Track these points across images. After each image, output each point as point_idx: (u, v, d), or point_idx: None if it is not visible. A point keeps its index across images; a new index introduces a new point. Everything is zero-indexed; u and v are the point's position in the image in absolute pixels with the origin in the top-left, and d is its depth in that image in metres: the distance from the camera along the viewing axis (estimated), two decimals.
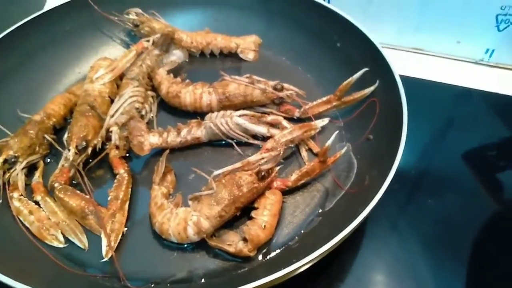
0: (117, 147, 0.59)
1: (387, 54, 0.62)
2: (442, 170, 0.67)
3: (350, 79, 0.62)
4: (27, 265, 0.47)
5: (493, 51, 0.79)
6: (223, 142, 0.62)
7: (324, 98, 0.64)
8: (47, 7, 0.76)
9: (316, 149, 0.61)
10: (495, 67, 0.81)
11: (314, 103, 0.64)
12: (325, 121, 0.64)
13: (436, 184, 0.65)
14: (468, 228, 0.60)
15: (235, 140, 0.61)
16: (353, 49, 0.68)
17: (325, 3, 0.72)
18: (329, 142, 0.53)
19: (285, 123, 0.62)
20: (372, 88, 0.62)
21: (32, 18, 0.68)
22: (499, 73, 0.80)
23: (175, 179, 0.58)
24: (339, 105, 0.64)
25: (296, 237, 0.52)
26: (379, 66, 0.62)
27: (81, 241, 0.52)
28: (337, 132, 0.55)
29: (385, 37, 0.81)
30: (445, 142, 0.72)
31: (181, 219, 0.49)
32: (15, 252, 0.49)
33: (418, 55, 0.83)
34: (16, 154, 0.56)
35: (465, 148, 0.70)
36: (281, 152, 0.54)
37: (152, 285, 0.48)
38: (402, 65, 0.79)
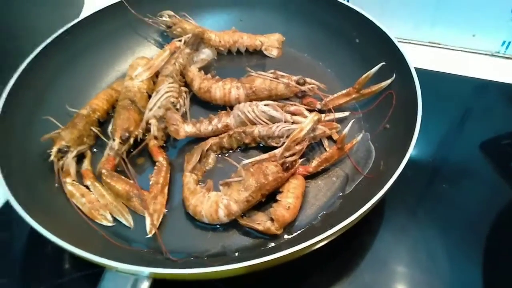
0: (155, 138, 0.66)
1: (403, 48, 0.66)
2: (460, 159, 0.70)
3: (368, 72, 0.66)
4: (82, 240, 0.54)
5: (509, 43, 0.81)
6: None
7: (344, 91, 0.68)
8: (84, 14, 0.82)
9: (336, 137, 0.66)
10: (511, 59, 0.83)
11: (334, 95, 0.69)
12: (345, 113, 0.69)
13: (454, 172, 0.68)
14: (485, 214, 0.63)
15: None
16: (371, 45, 0.73)
17: (344, 1, 0.76)
18: (345, 130, 0.58)
19: (306, 113, 0.67)
20: (389, 81, 0.67)
21: (74, 24, 0.75)
22: None
23: (214, 162, 0.64)
24: (358, 97, 0.69)
25: (319, 217, 0.58)
26: (395, 60, 0.66)
27: (127, 220, 0.58)
28: (353, 120, 0.59)
29: (402, 32, 0.85)
30: (463, 132, 0.75)
31: (213, 202, 0.55)
32: (70, 229, 0.56)
33: (435, 48, 0.86)
34: (68, 144, 0.62)
35: (482, 138, 0.73)
36: (304, 147, 0.59)
37: (192, 258, 0.54)
38: (419, 58, 0.83)
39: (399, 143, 0.58)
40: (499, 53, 0.83)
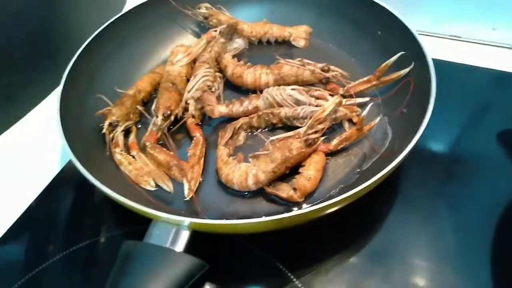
0: (193, 116, 0.74)
1: (423, 40, 0.72)
2: (477, 148, 0.74)
3: (388, 61, 0.72)
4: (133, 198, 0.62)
5: None
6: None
7: (365, 78, 0.74)
8: (128, 6, 0.91)
9: (356, 119, 0.72)
10: None
11: (356, 82, 0.75)
12: (365, 99, 0.75)
13: (470, 160, 0.72)
14: (498, 200, 0.66)
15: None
16: (392, 36, 0.78)
17: None
18: (364, 112, 0.64)
19: (329, 98, 0.73)
20: (407, 70, 0.72)
21: (120, 16, 0.84)
22: None
23: (244, 139, 0.71)
24: (378, 84, 0.74)
25: (337, 189, 0.64)
26: (415, 50, 0.71)
27: (168, 186, 0.66)
28: (371, 104, 0.65)
29: (423, 25, 0.89)
30: (481, 122, 0.78)
31: (243, 172, 0.63)
32: (120, 191, 0.64)
33: (456, 41, 0.91)
34: (118, 119, 0.71)
35: (500, 128, 0.76)
36: (326, 126, 0.66)
37: (223, 218, 0.62)
38: (440, 50, 0.87)
39: (414, 126, 0.63)
40: None
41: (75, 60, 0.75)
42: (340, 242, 0.62)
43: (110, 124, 0.71)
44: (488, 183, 0.69)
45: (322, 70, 0.75)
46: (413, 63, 0.71)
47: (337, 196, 0.53)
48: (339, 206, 0.55)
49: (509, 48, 0.87)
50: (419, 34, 0.73)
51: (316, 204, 0.52)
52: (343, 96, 0.74)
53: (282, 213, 0.61)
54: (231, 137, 0.70)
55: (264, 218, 0.51)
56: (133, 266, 0.48)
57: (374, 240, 0.62)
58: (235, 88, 0.80)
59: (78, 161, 0.58)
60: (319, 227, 0.60)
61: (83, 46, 0.78)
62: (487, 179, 0.69)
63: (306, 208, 0.52)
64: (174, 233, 0.51)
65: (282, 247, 0.61)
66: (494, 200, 0.66)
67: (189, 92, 0.75)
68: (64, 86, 0.71)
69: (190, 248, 0.52)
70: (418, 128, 0.59)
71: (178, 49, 0.82)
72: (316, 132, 0.65)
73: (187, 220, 0.51)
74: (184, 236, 0.51)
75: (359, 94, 0.75)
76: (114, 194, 0.54)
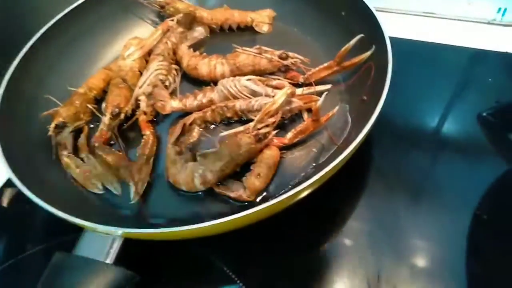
0: (145, 113, 0.70)
1: (388, 18, 0.66)
2: (456, 131, 0.70)
3: (347, 45, 0.67)
4: (74, 206, 0.59)
5: (505, 10, 0.79)
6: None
7: (325, 64, 0.70)
8: None
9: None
10: (508, 26, 0.81)
11: (316, 69, 0.70)
12: (327, 86, 0.71)
13: (450, 143, 0.69)
14: (477, 185, 0.63)
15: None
16: (355, 17, 0.73)
17: None
18: (319, 102, 0.60)
19: (289, 86, 0.68)
20: (368, 53, 0.67)
21: (73, 8, 0.79)
22: None
23: (198, 135, 0.67)
24: (340, 70, 0.70)
25: (290, 186, 0.61)
26: (375, 31, 0.67)
27: (116, 188, 0.63)
28: (326, 93, 0.61)
29: (394, 2, 0.84)
30: (459, 104, 0.74)
31: (190, 171, 0.59)
32: (65, 196, 0.62)
33: (429, 18, 0.85)
34: (65, 120, 0.68)
35: (479, 109, 0.72)
36: (277, 120, 0.61)
37: (170, 222, 0.59)
38: (413, 29, 0.83)
39: (370, 114, 0.59)
40: (495, 20, 0.81)
41: (22, 57, 0.71)
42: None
43: (56, 126, 0.68)
44: (468, 166, 0.66)
45: (280, 57, 0.70)
46: (373, 46, 0.66)
47: (280, 195, 0.50)
48: (287, 204, 0.52)
49: (485, 23, 0.82)
50: (389, 12, 0.68)
51: (255, 206, 0.49)
52: (303, 85, 0.70)
53: (236, 212, 0.58)
54: (183, 134, 0.67)
55: (197, 225, 0.48)
56: (59, 280, 0.46)
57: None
58: (192, 81, 0.77)
59: (14, 174, 0.55)
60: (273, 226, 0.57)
61: (32, 41, 0.74)
62: (468, 162, 0.66)
63: (241, 213, 0.48)
64: (104, 243, 0.49)
65: (229, 250, 0.58)
66: (473, 188, 0.62)
67: (140, 87, 0.71)
68: (7, 86, 0.67)
69: (122, 256, 0.49)
70: (369, 119, 0.55)
71: (131, 42, 0.78)
72: (267, 126, 0.61)
73: (117, 230, 0.48)
74: (116, 246, 0.49)
75: (322, 81, 0.71)
76: (43, 204, 0.51)
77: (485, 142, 0.69)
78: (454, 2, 0.81)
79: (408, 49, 0.81)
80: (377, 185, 0.63)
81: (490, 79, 0.77)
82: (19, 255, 0.61)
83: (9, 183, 0.71)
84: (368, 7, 0.69)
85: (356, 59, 0.68)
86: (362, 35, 0.67)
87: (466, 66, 0.81)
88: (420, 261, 0.54)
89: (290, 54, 0.71)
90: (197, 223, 0.56)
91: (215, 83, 0.72)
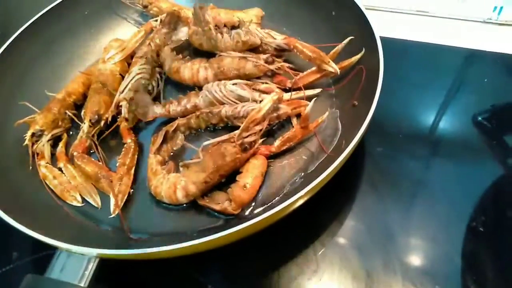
0: (126, 120, 0.67)
1: (379, 17, 0.63)
2: (452, 133, 0.68)
3: (336, 48, 0.65)
4: (51, 221, 0.57)
5: (501, 8, 0.76)
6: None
7: (314, 68, 0.67)
8: None
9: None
10: (504, 25, 0.78)
11: (304, 73, 0.67)
12: (316, 90, 0.68)
13: (445, 145, 0.66)
14: (472, 188, 0.61)
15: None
16: (345, 16, 0.70)
17: None
18: (307, 109, 0.57)
19: (277, 91, 0.66)
20: (358, 56, 0.64)
21: (53, 6, 0.76)
22: (509, 31, 0.78)
23: (182, 143, 0.64)
24: (329, 74, 0.67)
25: (278, 197, 0.58)
26: (365, 30, 0.64)
27: (95, 201, 0.60)
28: (314, 99, 0.58)
29: (388, 1, 0.81)
30: (454, 105, 0.72)
31: (172, 183, 0.56)
32: (41, 211, 0.59)
33: (423, 17, 0.82)
34: (42, 128, 0.65)
35: (475, 110, 0.70)
36: (264, 127, 0.59)
37: (153, 238, 0.56)
38: (406, 29, 0.80)
39: (361, 121, 0.56)
40: (491, 19, 0.78)
41: None
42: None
43: (33, 134, 0.65)
44: (463, 171, 0.63)
45: (266, 61, 0.67)
46: (363, 49, 0.64)
47: (268, 211, 0.47)
48: (275, 220, 0.50)
49: (480, 22, 0.79)
50: (380, 10, 0.65)
51: (241, 219, 0.46)
52: (290, 89, 0.67)
53: (219, 228, 0.56)
54: (166, 142, 0.64)
55: (177, 245, 0.45)
56: None
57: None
58: (176, 86, 0.73)
59: None
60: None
61: (7, 43, 0.71)
62: (463, 167, 0.64)
63: (224, 232, 0.45)
64: (79, 265, 0.46)
65: (214, 266, 0.55)
66: (469, 193, 0.60)
67: (121, 92, 0.68)
68: None
69: (99, 276, 0.46)
70: (360, 126, 0.52)
71: (112, 44, 0.75)
72: (253, 134, 0.58)
73: (93, 251, 0.45)
74: (91, 267, 0.46)
75: (311, 86, 0.68)
76: (12, 222, 0.48)
77: (480, 145, 0.67)
78: (448, 0, 0.78)
79: (400, 49, 0.78)
80: (369, 194, 0.61)
81: (485, 80, 0.75)
82: None
83: None
84: (358, 6, 0.66)
85: (346, 62, 0.66)
86: (351, 37, 0.64)
87: (461, 67, 0.78)
88: (413, 273, 0.52)
89: (276, 58, 0.68)
90: (181, 238, 0.54)
91: (199, 87, 0.69)
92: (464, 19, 0.80)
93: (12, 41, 0.71)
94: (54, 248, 0.49)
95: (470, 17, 0.79)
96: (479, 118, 0.69)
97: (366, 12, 0.65)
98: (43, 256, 0.58)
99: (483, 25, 0.79)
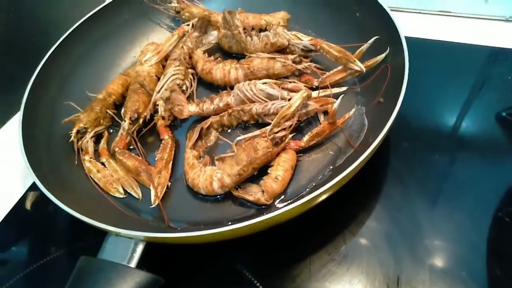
0: (163, 118, 0.71)
1: (404, 18, 0.66)
2: (475, 131, 0.70)
3: (361, 47, 0.67)
4: (97, 210, 0.61)
5: None
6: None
7: (340, 67, 0.70)
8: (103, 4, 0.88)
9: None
10: None
11: (331, 72, 0.70)
12: (342, 89, 0.71)
13: (469, 143, 0.68)
14: (496, 185, 0.62)
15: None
16: (370, 17, 0.73)
17: None
18: (335, 105, 0.60)
19: (305, 89, 0.69)
20: (383, 55, 0.67)
21: (91, 15, 0.82)
22: None
23: (215, 139, 0.68)
24: (354, 73, 0.70)
25: (308, 189, 0.61)
26: (390, 31, 0.67)
27: (136, 192, 0.65)
28: (342, 96, 0.61)
29: (409, 1, 0.83)
30: (478, 103, 0.74)
31: (208, 176, 0.60)
32: (87, 201, 0.63)
33: (446, 17, 0.84)
34: (86, 126, 0.70)
35: (498, 109, 0.72)
36: (294, 123, 0.62)
37: (190, 226, 0.60)
38: (430, 28, 0.82)
39: (387, 116, 0.59)
40: None
41: (43, 64, 0.74)
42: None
43: (78, 132, 0.70)
44: (487, 166, 0.65)
45: (294, 62, 0.71)
46: (388, 48, 0.66)
47: (299, 199, 0.50)
48: (306, 208, 0.53)
49: (503, 21, 0.80)
50: (404, 12, 0.68)
51: (273, 210, 0.50)
52: (318, 88, 0.70)
53: (252, 217, 0.59)
54: (201, 138, 0.68)
55: (216, 230, 0.49)
56: (85, 284, 0.47)
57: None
58: (208, 86, 0.77)
59: (39, 179, 0.57)
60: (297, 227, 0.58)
61: (53, 48, 0.76)
62: (488, 162, 0.65)
63: (260, 218, 0.49)
64: (127, 247, 0.50)
65: (249, 253, 0.59)
66: (493, 189, 0.61)
67: (158, 92, 0.73)
68: (29, 94, 0.69)
69: (145, 260, 0.50)
70: (387, 121, 0.55)
71: (148, 48, 0.80)
72: (283, 129, 0.62)
73: (140, 234, 0.49)
74: (139, 249, 0.50)
75: (338, 84, 0.71)
76: (67, 209, 0.53)
77: (504, 141, 0.68)
78: (471, 0, 0.80)
79: (424, 49, 0.80)
80: (395, 187, 0.63)
81: (509, 77, 0.76)
82: (44, 258, 0.63)
83: (33, 187, 0.73)
84: (383, 7, 0.69)
85: (371, 61, 0.68)
86: (377, 36, 0.67)
87: (484, 65, 0.80)
88: (440, 263, 0.54)
89: (304, 58, 0.71)
90: (217, 226, 0.58)
91: (230, 87, 0.73)
92: (486, 18, 0.81)
93: (59, 44, 0.77)
94: (102, 235, 0.54)
95: (492, 16, 0.81)
96: (503, 114, 0.70)
97: (390, 13, 0.67)
98: (86, 244, 0.62)
99: (506, 24, 0.80)
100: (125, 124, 0.69)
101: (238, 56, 0.77)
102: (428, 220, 0.59)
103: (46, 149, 0.67)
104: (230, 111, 0.69)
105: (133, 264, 0.49)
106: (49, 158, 0.66)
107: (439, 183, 0.63)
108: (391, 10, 0.68)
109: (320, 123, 0.67)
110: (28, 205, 0.72)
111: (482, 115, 0.72)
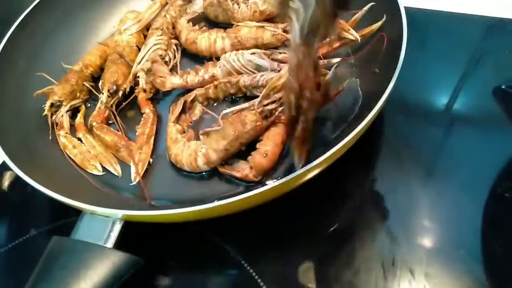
0: (144, 90, 0.67)
1: None
2: (471, 106, 0.67)
3: (355, 16, 0.63)
4: (73, 188, 0.57)
5: None
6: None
7: (333, 36, 0.66)
8: None
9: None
10: None
11: (324, 41, 0.66)
12: (335, 60, 0.67)
13: (464, 118, 0.65)
14: (492, 161, 0.59)
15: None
16: None
17: None
18: (328, 76, 0.57)
19: None
20: (379, 24, 0.63)
21: None
22: None
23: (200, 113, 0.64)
24: (348, 43, 0.66)
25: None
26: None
27: (116, 169, 0.61)
28: (335, 67, 0.58)
29: None
30: (475, 77, 0.70)
31: (192, 151, 0.56)
32: (63, 179, 0.59)
33: None
34: (60, 99, 0.65)
35: (496, 83, 0.68)
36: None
37: (173, 204, 0.56)
38: None
39: (383, 89, 0.56)
40: None
41: (12, 31, 0.68)
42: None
43: (52, 105, 0.65)
44: (484, 141, 0.62)
45: (284, 31, 0.66)
46: (384, 15, 0.62)
47: (288, 175, 0.47)
48: (296, 184, 0.50)
49: None
50: None
51: (261, 187, 0.46)
52: None
53: (239, 194, 0.56)
54: (185, 111, 0.64)
55: (199, 207, 0.45)
56: (56, 265, 0.44)
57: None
58: (193, 57, 0.73)
59: (9, 157, 0.53)
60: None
61: (23, 14, 0.70)
62: (485, 137, 0.63)
63: (246, 193, 0.46)
64: (104, 227, 0.46)
65: (235, 232, 0.55)
66: (489, 164, 0.59)
67: (138, 63, 0.68)
68: None
69: (125, 241, 0.47)
70: (382, 93, 0.51)
71: (128, 16, 0.75)
72: (273, 102, 0.58)
73: (117, 213, 0.45)
74: (116, 229, 0.46)
75: (331, 55, 0.67)
76: (37, 186, 0.49)
77: (502, 116, 0.65)
78: None
79: (418, 19, 0.76)
80: (389, 163, 0.60)
81: (507, 52, 0.73)
82: (20, 238, 0.60)
83: (6, 166, 0.68)
84: None
85: (366, 30, 0.64)
86: (372, 3, 0.63)
87: (483, 37, 0.76)
88: (436, 242, 0.52)
89: None
90: (201, 204, 0.55)
91: (216, 58, 0.68)
92: None
93: (29, 11, 0.71)
94: (76, 215, 0.50)
95: None
96: (503, 86, 0.67)
97: None
98: (66, 223, 0.58)
99: None
100: (103, 97, 0.65)
101: (224, 25, 0.72)
102: (424, 197, 0.56)
103: (16, 124, 0.62)
104: (216, 83, 0.64)
105: (109, 244, 0.46)
106: (19, 133, 0.61)
107: (435, 155, 0.61)
108: None
109: None
110: (3, 184, 0.67)
111: (480, 87, 0.68)
